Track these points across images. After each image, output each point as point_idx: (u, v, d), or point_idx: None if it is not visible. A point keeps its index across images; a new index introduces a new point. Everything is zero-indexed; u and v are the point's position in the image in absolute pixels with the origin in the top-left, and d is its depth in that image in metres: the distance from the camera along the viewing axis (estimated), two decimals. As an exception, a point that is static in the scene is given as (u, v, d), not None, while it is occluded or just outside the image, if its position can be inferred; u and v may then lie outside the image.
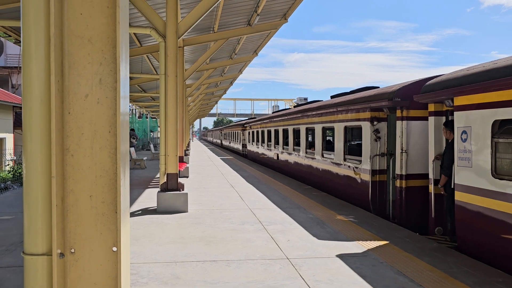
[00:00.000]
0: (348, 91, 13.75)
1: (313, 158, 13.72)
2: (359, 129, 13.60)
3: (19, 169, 20.09)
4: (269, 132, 21.47)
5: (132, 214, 8.36)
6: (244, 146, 32.21)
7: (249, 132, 29.11)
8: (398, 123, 8.61)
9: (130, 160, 19.46)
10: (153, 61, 20.11)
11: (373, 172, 9.62)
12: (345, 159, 11.09)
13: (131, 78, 23.01)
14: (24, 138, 1.84)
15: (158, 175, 16.02)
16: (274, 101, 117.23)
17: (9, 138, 25.02)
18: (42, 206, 1.80)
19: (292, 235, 6.80)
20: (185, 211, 8.63)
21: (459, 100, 6.38)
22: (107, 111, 1.81)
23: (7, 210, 8.76)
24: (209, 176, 15.82)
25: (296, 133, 17.07)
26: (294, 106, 19.57)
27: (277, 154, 19.23)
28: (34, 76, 1.75)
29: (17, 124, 28.67)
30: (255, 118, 36.52)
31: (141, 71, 22.13)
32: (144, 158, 19.41)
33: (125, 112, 1.82)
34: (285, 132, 17.99)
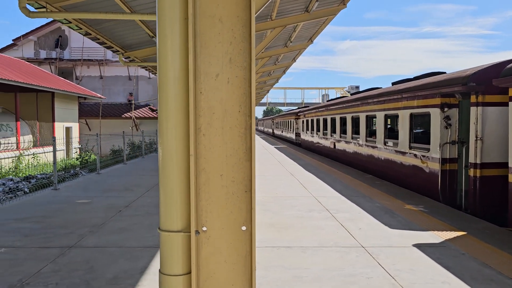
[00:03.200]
0: (412, 77, 13.21)
1: (374, 147, 13.36)
2: (425, 116, 13.07)
3: (86, 156, 21.22)
4: (325, 120, 21.17)
5: (199, 200, 8.55)
6: (297, 135, 32.03)
7: (303, 121, 28.86)
8: (473, 109, 8.15)
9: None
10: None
11: (443, 161, 9.22)
12: (410, 148, 10.70)
13: (188, 68, 23.51)
14: (160, 117, 1.88)
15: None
16: (324, 89, 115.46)
17: (75, 127, 26.44)
18: (178, 184, 1.84)
19: (362, 223, 6.66)
20: (250, 198, 8.70)
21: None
22: (237, 90, 1.81)
23: (83, 194, 9.25)
24: (267, 164, 15.87)
25: (355, 121, 16.69)
26: (352, 94, 19.13)
27: (334, 143, 18.94)
28: (168, 56, 1.77)
29: (81, 114, 30.25)
30: (308, 106, 36.15)
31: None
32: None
33: (253, 91, 1.81)
34: (343, 120, 17.65)
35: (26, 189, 13.50)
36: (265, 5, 9.11)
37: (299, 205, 8.08)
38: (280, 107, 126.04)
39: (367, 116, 14.31)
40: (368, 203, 8.30)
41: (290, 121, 35.73)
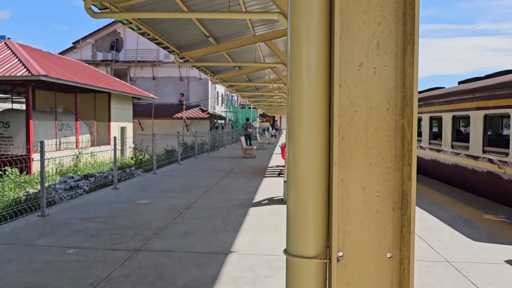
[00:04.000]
0: (483, 75, 12.29)
1: (439, 150, 12.55)
2: (503, 117, 12.09)
3: (140, 155, 21.66)
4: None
5: (259, 203, 8.28)
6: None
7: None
8: None
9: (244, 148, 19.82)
10: (263, 50, 20.18)
11: None
12: (484, 151, 9.89)
13: (240, 68, 23.43)
14: (291, 117, 1.57)
15: (269, 164, 16.04)
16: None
17: (129, 127, 27.12)
18: (313, 199, 1.50)
19: (441, 234, 6.10)
20: (312, 202, 8.32)
21: None
22: (385, 83, 1.45)
23: (143, 194, 9.25)
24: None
25: (418, 123, 15.85)
26: (420, 91, 18.20)
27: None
28: (302, 39, 1.46)
29: (135, 114, 31.02)
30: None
31: (254, 60, 22.29)
32: (254, 148, 19.62)
33: (412, 85, 1.44)
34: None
35: (85, 187, 13.85)
36: None
37: (366, 211, 7.60)
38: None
39: (430, 117, 13.49)
40: (442, 211, 7.68)
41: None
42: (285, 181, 8.64)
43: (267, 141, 29.19)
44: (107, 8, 9.53)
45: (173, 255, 4.99)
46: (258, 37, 15.75)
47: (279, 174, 13.02)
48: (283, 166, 15.17)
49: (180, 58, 16.65)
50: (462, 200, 8.77)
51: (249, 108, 48.92)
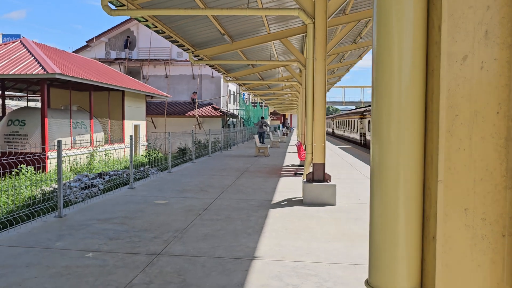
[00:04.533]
0: None
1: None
2: None
3: (154, 153, 21.60)
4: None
5: (279, 205, 8.07)
6: (362, 135, 30.80)
7: (369, 121, 27.63)
8: None
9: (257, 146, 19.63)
10: (277, 48, 19.93)
11: None
12: None
13: (253, 66, 23.22)
14: (378, 119, 1.34)
15: (284, 163, 15.82)
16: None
17: (143, 125, 27.10)
18: (404, 221, 1.27)
19: None
20: (333, 203, 8.09)
21: None
22: (494, 81, 1.20)
23: (159, 194, 9.10)
24: (337, 166, 15.12)
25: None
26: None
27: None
28: (394, 30, 1.24)
29: (147, 112, 30.98)
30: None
31: (269, 58, 22.10)
32: (268, 146, 19.41)
33: None
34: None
35: (100, 186, 13.79)
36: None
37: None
38: (337, 106, 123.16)
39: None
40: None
41: (354, 120, 34.48)
42: (304, 181, 8.42)
43: (280, 140, 28.96)
44: (124, 5, 9.39)
45: (196, 261, 4.80)
46: (273, 35, 15.51)
47: (295, 173, 12.79)
48: (299, 165, 14.93)
49: (195, 56, 16.49)
50: None
51: (261, 106, 48.71)
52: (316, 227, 6.42)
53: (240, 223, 6.58)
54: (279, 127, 62.97)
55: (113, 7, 9.28)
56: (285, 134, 41.24)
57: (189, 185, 10.36)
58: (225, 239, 5.66)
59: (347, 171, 13.54)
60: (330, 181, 8.31)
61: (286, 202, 8.32)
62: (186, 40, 14.34)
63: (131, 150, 9.86)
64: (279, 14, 9.12)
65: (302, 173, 12.84)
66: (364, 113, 29.33)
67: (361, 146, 29.59)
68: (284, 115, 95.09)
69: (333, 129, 53.63)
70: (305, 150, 13.24)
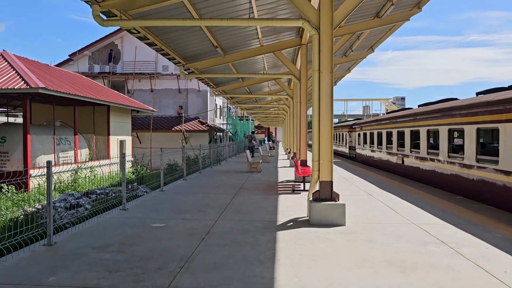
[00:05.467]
0: (506, 86, 11.78)
1: (461, 164, 11.96)
2: None
3: (142, 170, 20.88)
4: (389, 134, 19.78)
5: (285, 226, 7.58)
6: (351, 148, 30.57)
7: (359, 134, 27.45)
8: None
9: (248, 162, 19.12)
10: (268, 61, 19.63)
11: None
12: (517, 166, 9.30)
13: (242, 79, 22.85)
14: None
15: (279, 179, 15.36)
16: (368, 101, 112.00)
17: (128, 141, 26.35)
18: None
19: (502, 263, 5.44)
20: (343, 224, 7.64)
21: None
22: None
23: (155, 216, 8.51)
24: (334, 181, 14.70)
25: (433, 135, 15.28)
26: (420, 105, 17.67)
27: (402, 158, 17.54)
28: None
29: (133, 127, 30.23)
30: (361, 119, 34.68)
31: (263, 71, 21.77)
32: (260, 161, 18.94)
33: None
34: (415, 134, 16.25)
35: (87, 205, 13.08)
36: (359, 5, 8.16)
37: (405, 234, 6.93)
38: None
39: (450, 129, 12.92)
40: (486, 233, 7.03)
41: (343, 134, 34.30)
42: (310, 200, 7.97)
43: (269, 154, 28.54)
44: (116, 16, 8.91)
45: (210, 296, 4.28)
46: (267, 48, 15.19)
47: (293, 190, 12.34)
48: (295, 181, 14.50)
49: (185, 70, 16.04)
50: (500, 220, 8.14)
51: (247, 120, 48.35)
52: (331, 251, 5.95)
53: (249, 248, 6.06)
54: (264, 140, 62.59)
55: (105, 17, 8.79)
56: (272, 148, 40.84)
57: (185, 205, 9.80)
58: (237, 269, 5.14)
59: (346, 187, 13.15)
60: (338, 200, 7.88)
61: (292, 223, 7.84)
62: (177, 53, 13.89)
63: (123, 169, 9.27)
64: (282, 25, 8.77)
65: (299, 190, 12.40)
66: (353, 126, 29.16)
67: (351, 160, 29.34)
68: (268, 128, 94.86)
69: (319, 142, 53.61)
70: (300, 165, 12.84)
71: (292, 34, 14.73)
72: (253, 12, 10.96)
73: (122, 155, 9.26)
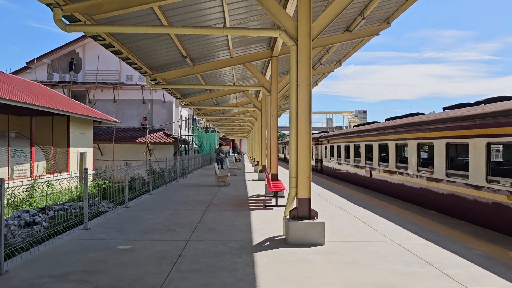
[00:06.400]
0: (473, 102, 11.98)
1: (430, 178, 11.99)
2: (510, 146, 11.67)
3: (104, 184, 19.87)
4: (357, 147, 19.83)
5: (262, 246, 7.15)
6: (318, 161, 30.61)
7: (325, 147, 27.51)
8: None
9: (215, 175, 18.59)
10: (237, 73, 19.29)
11: None
12: (488, 181, 9.35)
13: (210, 91, 22.38)
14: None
15: (249, 194, 14.93)
16: (331, 114, 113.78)
17: (89, 153, 25.19)
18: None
19: (490, 284, 5.24)
20: (322, 243, 7.30)
21: None
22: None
23: (120, 236, 7.86)
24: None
25: (402, 149, 15.36)
26: (387, 119, 17.82)
27: (370, 172, 17.56)
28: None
29: (94, 138, 29.01)
30: (327, 132, 34.91)
31: (233, 83, 21.39)
32: (228, 175, 18.45)
33: None
34: (383, 147, 16.31)
35: (44, 223, 12.14)
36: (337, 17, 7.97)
37: (387, 254, 6.67)
38: (285, 131, 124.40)
39: (419, 144, 12.98)
40: (467, 251, 6.89)
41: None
42: (287, 218, 7.59)
43: (236, 167, 28.07)
44: (80, 21, 8.30)
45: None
46: (237, 59, 14.85)
47: (265, 206, 11.94)
48: (265, 196, 14.12)
49: (152, 80, 15.41)
50: (475, 235, 8.06)
51: (213, 131, 47.76)
52: (315, 275, 5.57)
53: (226, 274, 5.59)
54: (229, 152, 62.05)
55: (67, 22, 8.16)
56: (238, 160, 40.42)
57: (153, 223, 9.18)
58: (216, 299, 4.66)
59: (317, 202, 12.87)
60: (316, 218, 7.55)
61: (268, 243, 7.41)
62: (144, 62, 13.30)
63: (85, 185, 8.57)
64: (258, 35, 8.42)
65: (271, 205, 12.02)
66: (320, 139, 29.22)
67: (317, 172, 29.34)
68: (233, 140, 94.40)
69: (285, 155, 53.55)
70: (271, 179, 12.49)
71: (263, 46, 14.48)
72: (225, 22, 10.61)
73: (85, 170, 8.56)
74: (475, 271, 5.82)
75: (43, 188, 17.86)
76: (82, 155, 24.12)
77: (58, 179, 19.76)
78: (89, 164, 24.61)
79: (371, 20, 14.12)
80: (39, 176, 18.89)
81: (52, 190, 17.94)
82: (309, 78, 7.49)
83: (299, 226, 7.34)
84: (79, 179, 20.03)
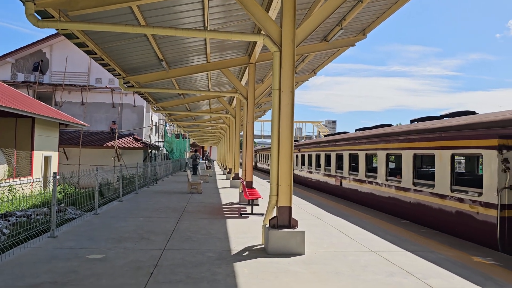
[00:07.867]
0: (438, 115, 12.26)
1: (398, 188, 12.15)
2: (473, 157, 12.00)
3: (70, 189, 19.09)
4: (327, 156, 19.93)
5: (241, 256, 6.94)
6: (289, 169, 30.68)
7: (296, 155, 27.59)
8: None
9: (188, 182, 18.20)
10: (212, 78, 19.05)
11: (502, 207, 8.35)
12: (452, 191, 9.62)
13: (184, 96, 22.03)
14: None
15: (222, 201, 14.66)
16: (300, 123, 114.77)
17: (55, 156, 24.23)
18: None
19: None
20: (302, 253, 7.16)
21: None
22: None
23: (91, 245, 7.45)
24: (280, 204, 14.31)
25: (370, 158, 15.51)
26: (357, 130, 18.00)
27: (340, 180, 17.66)
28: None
29: (60, 141, 27.97)
30: (298, 141, 35.10)
31: (208, 89, 21.13)
32: (201, 182, 18.10)
33: None
34: (353, 157, 16.42)
35: (5, 230, 11.46)
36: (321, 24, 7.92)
37: (369, 264, 6.59)
38: (255, 140, 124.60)
39: (388, 154, 13.16)
40: (445, 261, 6.91)
41: (280, 155, 34.48)
42: (267, 227, 7.42)
43: (208, 174, 27.69)
44: (53, 17, 7.91)
45: None
46: (214, 64, 14.65)
47: (241, 214, 11.73)
48: (240, 204, 13.89)
49: (125, 83, 14.97)
50: (447, 244, 8.15)
51: (183, 138, 47.15)
52: (299, 287, 5.40)
53: (207, 285, 5.34)
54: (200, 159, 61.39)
55: (39, 17, 7.76)
56: (209, 167, 39.99)
57: (125, 231, 8.78)
58: (199, 313, 4.41)
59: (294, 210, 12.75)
60: (297, 227, 7.41)
61: (248, 252, 7.20)
62: (119, 64, 12.89)
63: (54, 190, 8.11)
64: (241, 39, 8.28)
65: (247, 213, 11.81)
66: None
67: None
68: (203, 147, 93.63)
69: (255, 163, 53.59)
70: (246, 187, 12.29)
71: (240, 53, 14.35)
72: (205, 26, 10.41)
73: (53, 174, 8.11)
74: (456, 281, 5.82)
75: (3, 193, 16.94)
76: (47, 159, 23.16)
77: (21, 184, 18.84)
78: (54, 169, 23.65)
79: (348, 30, 14.27)
80: (0, 180, 17.93)
81: (14, 196, 17.05)
82: (292, 84, 7.39)
83: (279, 235, 7.17)
84: (43, 184, 19.17)
